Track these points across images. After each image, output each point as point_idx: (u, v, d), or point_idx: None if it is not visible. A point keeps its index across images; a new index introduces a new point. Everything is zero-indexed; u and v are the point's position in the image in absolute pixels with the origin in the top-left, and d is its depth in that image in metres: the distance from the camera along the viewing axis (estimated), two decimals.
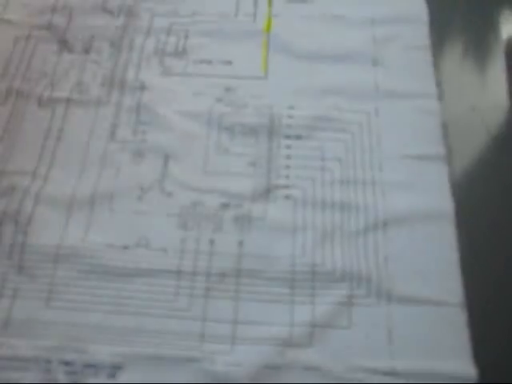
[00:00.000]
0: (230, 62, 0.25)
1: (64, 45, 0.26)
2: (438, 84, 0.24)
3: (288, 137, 0.23)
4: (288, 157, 0.23)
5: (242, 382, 0.19)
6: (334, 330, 0.20)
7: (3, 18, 0.28)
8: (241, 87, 0.24)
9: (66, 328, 0.20)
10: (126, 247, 0.21)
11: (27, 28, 0.27)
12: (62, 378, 0.19)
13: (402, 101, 0.24)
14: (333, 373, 0.19)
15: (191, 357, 0.19)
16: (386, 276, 0.20)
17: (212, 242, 0.21)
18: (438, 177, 0.22)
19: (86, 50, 0.26)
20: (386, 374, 0.19)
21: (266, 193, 0.22)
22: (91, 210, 0.22)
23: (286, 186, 0.22)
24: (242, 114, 0.24)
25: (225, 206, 0.22)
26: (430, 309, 0.20)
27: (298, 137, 0.23)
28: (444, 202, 0.22)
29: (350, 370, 0.19)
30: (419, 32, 0.26)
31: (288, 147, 0.23)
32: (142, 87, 0.25)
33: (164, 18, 0.27)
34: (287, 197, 0.22)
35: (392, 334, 0.19)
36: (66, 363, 0.19)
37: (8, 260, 0.21)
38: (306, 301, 0.20)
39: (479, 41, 0.26)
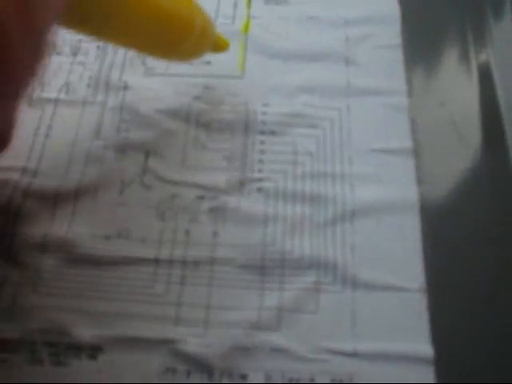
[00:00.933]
0: (209, 62, 0.26)
1: (53, 48, 0.28)
2: (409, 82, 0.25)
3: (262, 133, 0.24)
4: (262, 152, 0.24)
5: (214, 362, 0.20)
6: (302, 314, 0.21)
7: None
8: (219, 86, 0.26)
9: (51, 312, 0.21)
10: (107, 237, 0.22)
11: None
12: (45, 358, 0.21)
13: (372, 98, 0.25)
14: (298, 354, 0.20)
15: (166, 338, 0.20)
16: (352, 264, 0.21)
17: (188, 232, 0.22)
18: (404, 170, 0.23)
19: (74, 53, 0.27)
20: (348, 355, 0.20)
21: (240, 185, 0.23)
22: (75, 202, 0.23)
23: (259, 179, 0.23)
24: (218, 111, 0.25)
25: (200, 198, 0.23)
26: (392, 294, 0.21)
27: (272, 133, 0.24)
28: (409, 194, 0.23)
29: (315, 351, 0.20)
30: (391, 31, 0.26)
31: (262, 143, 0.24)
32: (126, 87, 0.26)
33: None
34: (260, 189, 0.23)
35: (356, 319, 0.20)
36: (50, 345, 0.21)
37: None
38: (275, 287, 0.21)
39: (449, 40, 0.27)
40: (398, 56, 0.26)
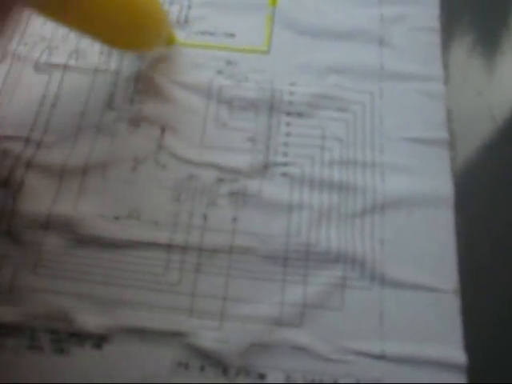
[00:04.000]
0: (232, 35, 0.24)
1: None
2: (445, 68, 0.23)
3: (288, 114, 0.23)
4: (287, 134, 0.22)
5: (230, 359, 0.19)
6: (326, 311, 0.19)
7: None
8: (242, 61, 0.24)
9: (53, 296, 0.19)
10: (117, 218, 0.21)
11: None
12: (46, 345, 0.19)
13: (407, 83, 0.23)
14: (321, 353, 0.18)
15: (178, 331, 0.19)
16: (381, 259, 0.20)
17: (205, 216, 0.21)
18: (439, 161, 0.22)
19: None
20: (375, 357, 0.19)
21: (264, 169, 0.21)
22: (83, 178, 0.21)
23: (284, 164, 0.21)
24: (242, 88, 0.23)
25: (220, 180, 0.21)
26: (423, 294, 0.19)
27: (299, 114, 0.22)
28: (444, 187, 0.21)
29: (339, 351, 0.19)
30: (428, 14, 0.25)
31: (288, 124, 0.22)
32: (142, 56, 0.24)
33: None
34: (284, 174, 0.21)
35: (383, 318, 0.19)
36: (52, 331, 0.19)
37: None
38: (298, 280, 0.20)
39: (490, 26, 0.25)
40: (435, 40, 0.24)
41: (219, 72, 0.23)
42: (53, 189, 0.21)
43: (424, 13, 0.25)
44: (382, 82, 0.23)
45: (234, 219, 0.20)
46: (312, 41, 0.24)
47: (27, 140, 0.22)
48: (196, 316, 0.19)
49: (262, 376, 0.18)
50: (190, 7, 0.25)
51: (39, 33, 0.25)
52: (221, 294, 0.19)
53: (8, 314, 0.19)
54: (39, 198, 0.21)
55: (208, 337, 0.19)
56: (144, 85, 0.23)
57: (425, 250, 0.20)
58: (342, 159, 0.22)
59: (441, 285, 0.19)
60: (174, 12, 0.25)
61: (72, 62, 0.24)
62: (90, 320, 0.19)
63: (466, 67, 0.24)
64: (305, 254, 0.20)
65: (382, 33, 0.24)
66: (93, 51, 0.24)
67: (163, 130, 0.22)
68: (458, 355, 0.18)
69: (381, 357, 0.18)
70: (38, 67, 0.24)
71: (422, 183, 0.21)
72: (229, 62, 0.24)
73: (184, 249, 0.20)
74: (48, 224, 0.20)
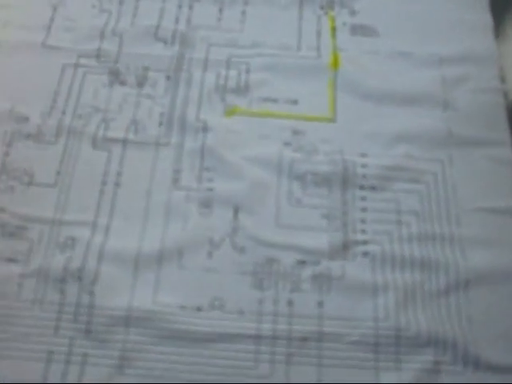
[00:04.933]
0: (295, 102, 0.24)
1: (115, 76, 0.24)
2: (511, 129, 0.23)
3: (362, 187, 0.22)
4: (363, 209, 0.22)
5: None
6: None
7: (46, 43, 0.26)
8: (309, 130, 0.23)
9: None
10: (199, 309, 0.20)
11: (74, 55, 0.25)
12: None
13: (475, 148, 0.23)
14: None
15: None
16: (472, 340, 0.20)
17: (291, 302, 0.20)
18: None
19: (140, 83, 0.24)
20: None
21: (344, 249, 0.21)
22: (159, 267, 0.20)
23: (364, 242, 0.21)
24: (313, 162, 0.22)
25: (301, 263, 0.21)
26: None
27: (372, 188, 0.22)
28: None
29: None
30: (489, 73, 0.25)
31: (363, 199, 0.22)
32: (205, 128, 0.23)
33: (221, 48, 0.26)
34: (365, 254, 0.21)
35: None
36: None
37: (74, 323, 0.20)
38: (391, 366, 0.19)
39: None
40: (499, 100, 0.24)
41: (287, 144, 0.23)
42: (129, 280, 0.20)
43: (485, 72, 0.24)
44: (451, 148, 0.23)
45: (320, 304, 0.20)
46: (376, 107, 0.24)
47: (94, 225, 0.21)
48: None
49: None
50: (248, 71, 0.24)
51: (92, 104, 0.23)
52: (314, 383, 0.19)
53: None
54: (116, 291, 0.20)
55: None
56: (211, 161, 0.22)
57: None
58: (421, 234, 0.21)
59: None
60: (232, 77, 0.24)
61: (131, 136, 0.23)
62: None
63: None
64: (396, 338, 0.20)
65: (445, 96, 0.24)
66: (151, 122, 0.23)
67: (236, 210, 0.21)
68: None
69: None
70: (95, 143, 0.23)
71: (503, 257, 0.21)
72: (295, 132, 0.23)
73: (272, 338, 0.19)
74: (129, 319, 0.19)
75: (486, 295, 0.21)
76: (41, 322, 0.19)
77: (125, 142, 0.23)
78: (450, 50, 0.25)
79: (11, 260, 0.21)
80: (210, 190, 0.22)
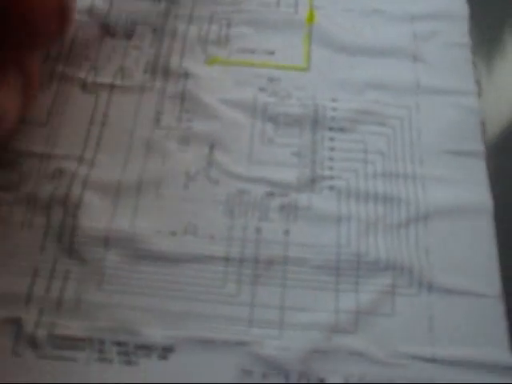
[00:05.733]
0: (272, 53, 0.25)
1: (106, 30, 0.26)
2: (477, 82, 0.25)
3: (331, 129, 0.24)
4: (332, 149, 0.23)
5: (292, 365, 0.20)
6: (378, 317, 0.20)
7: None
8: (284, 78, 0.25)
9: (118, 310, 0.20)
10: (173, 233, 0.21)
11: None
12: (114, 357, 0.20)
13: (442, 97, 0.24)
14: (376, 358, 0.20)
15: (240, 340, 0.20)
16: (427, 267, 0.21)
17: (259, 230, 0.22)
18: (476, 173, 0.23)
19: (128, 36, 0.26)
20: (427, 360, 0.20)
21: (311, 183, 0.22)
22: (138, 196, 0.22)
23: (331, 177, 0.22)
24: (286, 105, 0.24)
25: (270, 194, 0.22)
26: (468, 300, 0.21)
27: (341, 129, 0.23)
28: (483, 198, 0.22)
29: (394, 355, 0.20)
30: (459, 29, 0.26)
31: (332, 139, 0.23)
32: (186, 75, 0.25)
33: (205, 5, 0.27)
34: (331, 187, 0.22)
35: (433, 323, 0.20)
36: (119, 344, 0.20)
37: (58, 243, 0.22)
38: (350, 289, 0.21)
39: None
40: (467, 55, 0.25)
41: (262, 89, 0.24)
42: (110, 206, 0.22)
43: (455, 28, 0.26)
44: (418, 97, 0.24)
45: (286, 232, 0.21)
46: (349, 58, 0.25)
47: (80, 159, 0.23)
48: (256, 325, 0.20)
49: (322, 380, 0.19)
50: (229, 26, 0.26)
51: (84, 53, 0.25)
52: (278, 303, 0.20)
53: (77, 329, 0.20)
54: (97, 215, 0.22)
55: (270, 345, 0.19)
56: (190, 103, 0.24)
57: (468, 257, 0.21)
58: (385, 171, 0.23)
59: (485, 291, 0.21)
60: (214, 31, 0.26)
61: (118, 81, 0.25)
62: (156, 332, 0.20)
63: (498, 81, 0.25)
64: (356, 263, 0.21)
65: (415, 50, 0.25)
66: (137, 69, 0.25)
67: (212, 147, 0.23)
68: (506, 357, 0.19)
69: (432, 360, 0.19)
70: (85, 87, 0.25)
71: (461, 194, 0.22)
72: (271, 79, 0.25)
73: (240, 261, 0.21)
74: (108, 241, 0.21)
75: (443, 229, 0.22)
76: (28, 242, 0.21)
77: (112, 86, 0.24)
78: (421, 8, 0.26)
79: (3, 188, 0.22)
80: (189, 129, 0.23)
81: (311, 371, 0.19)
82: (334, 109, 0.24)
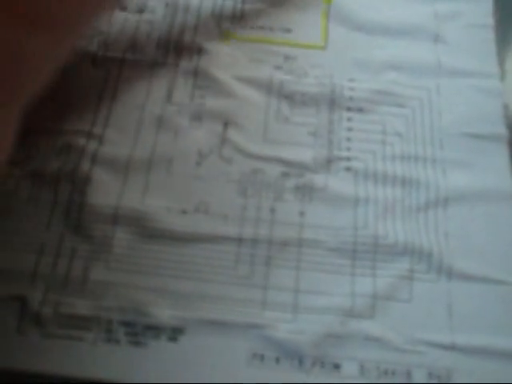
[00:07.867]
0: (289, 30, 0.25)
1: (117, 4, 0.25)
2: (500, 64, 0.24)
3: (349, 109, 0.23)
4: (349, 129, 0.22)
5: (305, 350, 0.19)
6: (395, 302, 0.20)
7: None
8: (300, 56, 0.24)
9: (126, 290, 0.19)
10: (184, 212, 0.21)
11: None
12: (122, 338, 0.19)
13: (463, 79, 0.24)
14: (393, 344, 0.19)
15: (253, 323, 0.19)
16: (447, 252, 0.20)
17: (273, 210, 0.21)
18: (498, 157, 0.22)
19: (140, 10, 0.25)
20: (446, 347, 0.19)
21: (327, 164, 0.22)
22: (148, 173, 0.21)
23: (348, 158, 0.22)
24: (302, 83, 0.23)
25: (285, 174, 0.21)
26: (489, 287, 0.20)
27: (359, 110, 0.23)
28: (504, 183, 0.22)
29: (411, 342, 0.19)
30: (482, 10, 0.25)
31: (349, 120, 0.23)
32: (200, 51, 0.24)
33: None
34: (348, 169, 0.22)
35: (452, 310, 0.20)
36: (127, 324, 0.19)
37: (65, 219, 0.21)
38: (367, 273, 0.20)
39: None
40: (490, 36, 0.24)
41: (278, 67, 0.24)
42: (119, 183, 0.21)
43: (478, 9, 0.25)
44: (439, 78, 0.23)
45: (301, 213, 0.21)
46: (367, 37, 0.24)
47: (89, 134, 0.22)
48: (269, 308, 0.19)
49: (336, 366, 0.19)
50: (244, 2, 0.25)
51: (95, 27, 0.24)
52: (292, 286, 0.20)
53: (83, 308, 0.19)
54: (106, 192, 0.21)
55: (283, 328, 0.19)
56: (204, 80, 0.23)
57: (488, 243, 0.20)
58: (404, 154, 0.22)
59: (505, 277, 0.20)
60: (228, 7, 0.25)
61: (128, 56, 0.24)
62: (165, 313, 0.19)
63: None
64: (373, 246, 0.20)
65: (436, 30, 0.24)
66: (149, 44, 0.24)
67: (226, 124, 0.22)
68: None
69: (451, 347, 0.19)
70: (95, 62, 0.24)
71: (482, 179, 0.22)
72: (287, 57, 0.24)
73: (254, 242, 0.20)
74: (116, 218, 0.20)
75: (463, 213, 0.21)
76: (34, 217, 0.21)
77: (122, 60, 0.24)
78: None
79: (9, 162, 0.22)
80: (202, 105, 0.23)
81: (326, 356, 0.19)
82: (352, 88, 0.23)
